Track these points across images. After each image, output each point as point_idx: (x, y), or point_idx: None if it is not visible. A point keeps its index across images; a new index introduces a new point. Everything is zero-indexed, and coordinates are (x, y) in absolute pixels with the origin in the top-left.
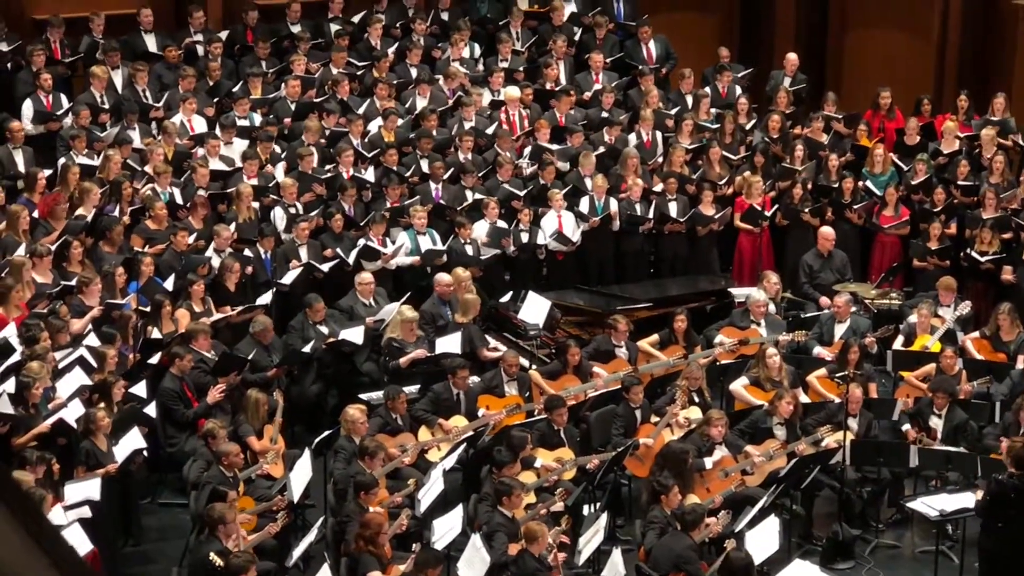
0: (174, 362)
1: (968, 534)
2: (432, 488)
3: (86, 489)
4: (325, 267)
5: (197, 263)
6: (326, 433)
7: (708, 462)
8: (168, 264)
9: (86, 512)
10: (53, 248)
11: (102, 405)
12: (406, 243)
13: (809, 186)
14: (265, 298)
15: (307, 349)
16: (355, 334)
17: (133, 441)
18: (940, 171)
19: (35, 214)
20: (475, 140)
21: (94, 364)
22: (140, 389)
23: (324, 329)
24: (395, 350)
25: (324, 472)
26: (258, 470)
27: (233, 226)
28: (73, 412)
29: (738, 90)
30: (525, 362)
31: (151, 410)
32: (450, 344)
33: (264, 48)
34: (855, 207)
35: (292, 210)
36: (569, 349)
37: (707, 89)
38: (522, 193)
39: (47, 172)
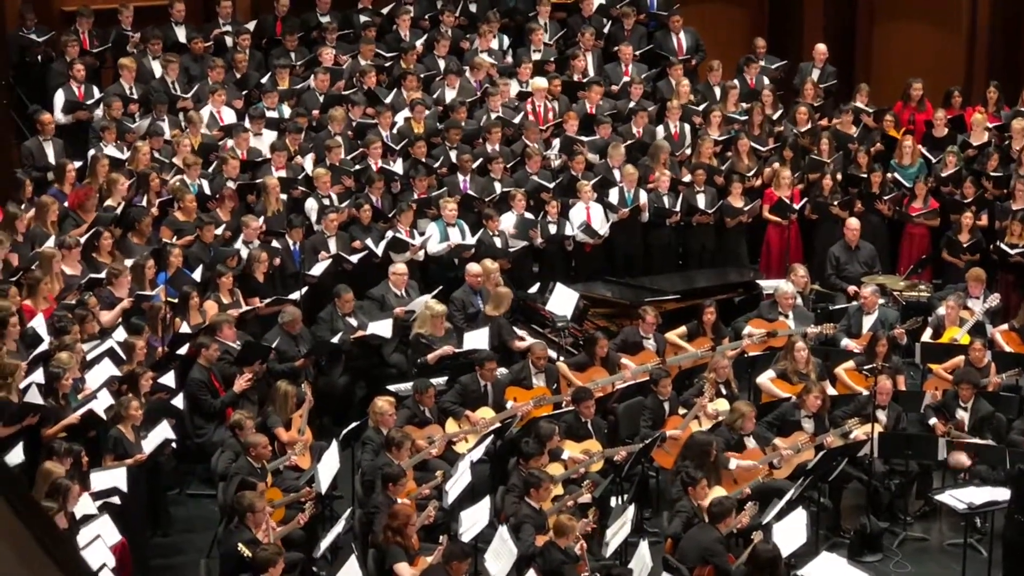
0: (200, 353)
1: (996, 527)
2: (460, 480)
3: (112, 478)
4: (354, 258)
5: (226, 255)
6: (354, 424)
7: (732, 463)
8: (196, 256)
9: (115, 502)
10: (83, 240)
11: (130, 396)
12: (435, 233)
13: (839, 177)
14: (296, 294)
15: (335, 340)
16: (384, 327)
17: (162, 432)
18: (970, 163)
19: (65, 205)
20: (503, 131)
21: (123, 356)
22: (168, 380)
23: (353, 321)
24: (423, 347)
25: (352, 464)
26: (286, 461)
27: (262, 219)
28: (102, 403)
29: (766, 81)
30: (553, 354)
31: (179, 401)
32: (478, 340)
33: (292, 40)
34: (884, 199)
35: (326, 201)
36: (597, 341)
37: (735, 81)
38: (551, 185)
39: (77, 164)
